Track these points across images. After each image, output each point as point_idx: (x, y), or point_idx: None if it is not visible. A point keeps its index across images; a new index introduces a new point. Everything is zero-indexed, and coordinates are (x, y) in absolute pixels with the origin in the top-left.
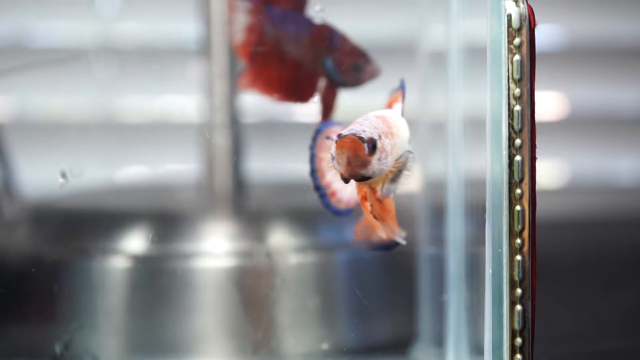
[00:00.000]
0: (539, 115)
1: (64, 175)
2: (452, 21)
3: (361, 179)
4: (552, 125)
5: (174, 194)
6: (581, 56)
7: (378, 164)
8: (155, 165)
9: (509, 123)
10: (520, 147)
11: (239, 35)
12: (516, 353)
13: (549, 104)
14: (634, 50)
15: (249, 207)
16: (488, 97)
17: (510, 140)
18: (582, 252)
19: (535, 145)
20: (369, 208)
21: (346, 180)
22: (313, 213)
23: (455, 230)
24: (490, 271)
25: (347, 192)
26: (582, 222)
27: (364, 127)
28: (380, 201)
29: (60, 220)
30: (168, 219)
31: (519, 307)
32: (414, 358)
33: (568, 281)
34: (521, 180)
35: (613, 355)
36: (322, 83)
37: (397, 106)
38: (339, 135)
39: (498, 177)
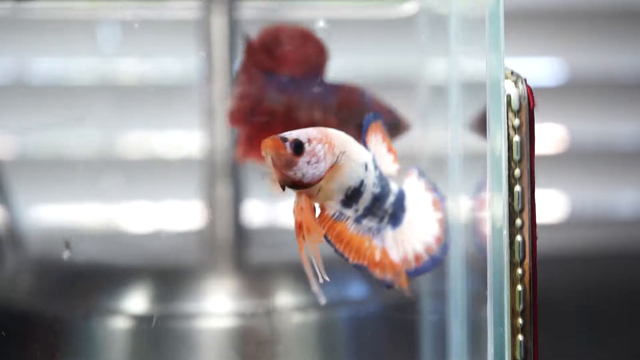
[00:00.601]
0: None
1: (67, 245)
2: (452, 56)
3: (292, 184)
4: (551, 158)
5: (176, 248)
6: (581, 89)
7: (307, 167)
8: (156, 204)
9: (509, 203)
10: (521, 227)
11: (227, 103)
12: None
13: (549, 137)
14: (634, 84)
15: (251, 261)
16: (487, 182)
17: (511, 218)
18: (582, 287)
19: (535, 226)
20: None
21: (282, 188)
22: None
23: (456, 282)
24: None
25: None
26: (582, 256)
27: (292, 132)
28: (319, 221)
29: (62, 274)
30: (169, 276)
31: (520, 337)
32: None
33: (568, 319)
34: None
35: None
36: None
37: (374, 138)
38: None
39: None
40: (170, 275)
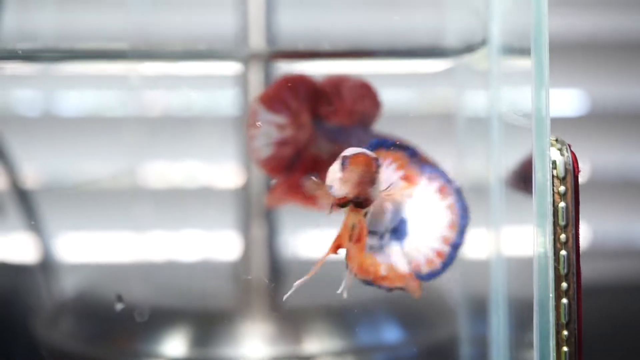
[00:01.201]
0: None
1: (120, 298)
2: (492, 88)
3: (362, 202)
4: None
5: (211, 289)
6: (602, 120)
7: (376, 187)
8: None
9: (555, 266)
10: (567, 290)
11: (264, 150)
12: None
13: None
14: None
15: (285, 305)
16: (534, 243)
17: (557, 282)
18: (606, 319)
19: (580, 287)
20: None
21: (342, 205)
22: (350, 309)
23: (499, 328)
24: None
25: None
26: (605, 286)
27: (363, 150)
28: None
29: (99, 317)
30: (205, 320)
31: (565, 348)
32: None
33: (595, 350)
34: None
35: None
36: None
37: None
38: (344, 157)
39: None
40: (206, 320)
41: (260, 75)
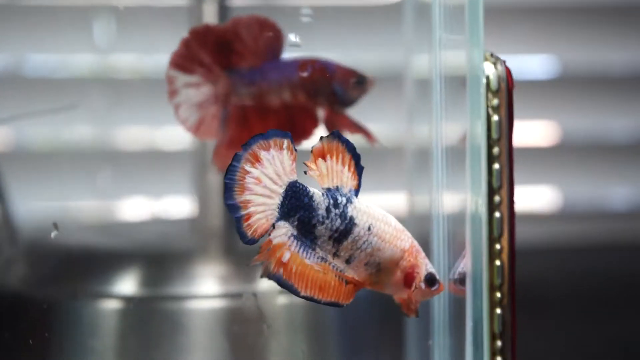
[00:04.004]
0: (532, 142)
1: (56, 227)
2: (435, 52)
3: None
4: (544, 152)
5: (167, 234)
6: (573, 84)
7: None
8: (149, 197)
9: (488, 180)
10: (500, 203)
11: (190, 116)
12: (496, 356)
13: (541, 132)
14: (625, 78)
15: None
16: (467, 158)
17: (490, 196)
18: (573, 279)
19: (513, 193)
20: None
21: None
22: None
23: (439, 265)
24: (471, 324)
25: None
26: (575, 248)
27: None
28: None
29: (55, 260)
30: (160, 261)
31: (498, 310)
32: None
33: (559, 309)
34: (499, 187)
35: None
36: (321, 113)
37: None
38: (438, 280)
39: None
40: (161, 260)
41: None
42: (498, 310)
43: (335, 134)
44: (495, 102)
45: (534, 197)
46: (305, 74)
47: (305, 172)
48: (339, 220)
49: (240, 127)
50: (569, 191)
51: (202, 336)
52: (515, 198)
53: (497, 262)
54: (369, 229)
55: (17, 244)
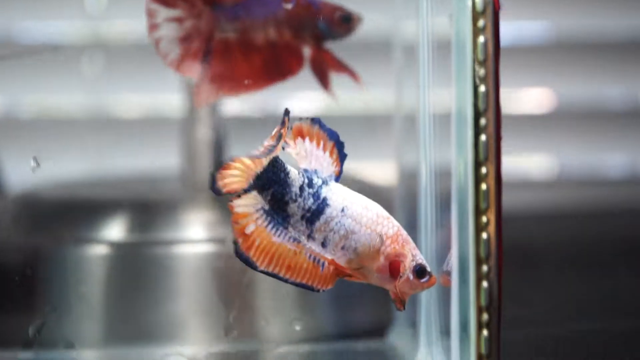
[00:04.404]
0: (527, 109)
1: (35, 160)
2: (423, 18)
3: None
4: (540, 120)
5: (156, 185)
6: (568, 51)
7: None
8: (139, 159)
9: (473, 103)
10: (485, 126)
11: (172, 50)
12: (483, 329)
13: (537, 99)
14: (621, 45)
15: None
16: (453, 78)
17: (476, 120)
18: (568, 243)
19: (500, 125)
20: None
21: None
22: None
23: (427, 217)
24: (457, 249)
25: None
26: (570, 214)
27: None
28: None
29: (42, 209)
30: (148, 208)
31: (485, 283)
32: (389, 341)
33: (553, 270)
34: (486, 159)
35: (592, 334)
36: (307, 52)
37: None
38: (429, 272)
39: (463, 159)
40: (149, 208)
41: None
42: (485, 284)
43: (315, 121)
44: (481, 23)
45: (529, 164)
46: (289, 6)
47: (283, 149)
48: (311, 200)
49: (223, 63)
50: (564, 158)
51: (189, 280)
52: (503, 168)
53: (484, 235)
54: (343, 210)
55: (3, 194)
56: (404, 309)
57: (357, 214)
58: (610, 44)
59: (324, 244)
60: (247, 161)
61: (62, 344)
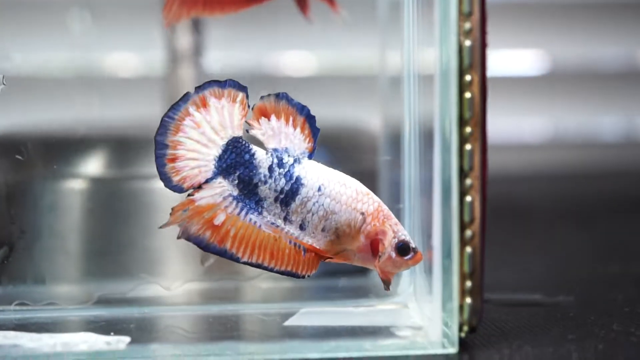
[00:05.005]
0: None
1: (3, 80)
2: None
3: None
4: (535, 81)
5: (136, 125)
6: (563, 11)
7: None
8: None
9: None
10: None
11: None
12: (466, 245)
13: (532, 61)
14: (617, 5)
15: None
16: (437, 32)
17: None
18: (561, 201)
19: (486, 81)
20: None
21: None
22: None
23: (410, 154)
24: (440, 160)
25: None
26: (564, 175)
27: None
28: None
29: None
30: (128, 143)
31: (468, 198)
32: (372, 278)
33: (547, 226)
34: (470, 68)
35: (583, 280)
36: None
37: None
38: (413, 249)
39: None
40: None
41: None
42: (468, 249)
43: (281, 96)
44: (467, 26)
45: (524, 126)
46: None
47: (247, 131)
48: (283, 180)
49: None
50: (559, 120)
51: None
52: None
53: (468, 198)
54: (319, 189)
55: None
56: (388, 289)
57: (336, 193)
58: (607, 3)
59: (302, 227)
60: (194, 145)
61: (31, 278)
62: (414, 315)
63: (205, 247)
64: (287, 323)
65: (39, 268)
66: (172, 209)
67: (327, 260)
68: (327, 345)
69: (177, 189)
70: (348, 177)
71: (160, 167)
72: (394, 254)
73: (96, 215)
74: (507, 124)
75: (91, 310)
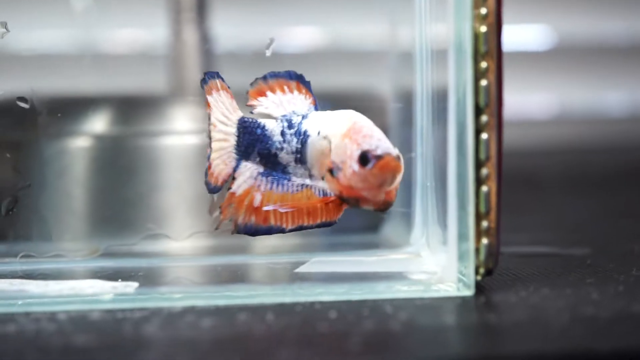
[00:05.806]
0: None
1: (5, 26)
2: None
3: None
4: (541, 57)
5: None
6: None
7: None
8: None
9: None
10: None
11: None
12: (482, 184)
13: (538, 36)
14: None
15: None
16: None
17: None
18: (570, 174)
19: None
20: None
21: (382, 211)
22: None
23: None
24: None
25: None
26: (570, 150)
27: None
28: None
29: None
30: (135, 102)
31: (484, 135)
32: (383, 234)
33: (553, 196)
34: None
35: (599, 236)
36: None
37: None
38: (376, 156)
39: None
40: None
41: None
42: (484, 188)
43: (266, 76)
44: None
45: (530, 102)
46: None
47: (251, 112)
48: (295, 139)
49: None
50: (565, 96)
51: (175, 172)
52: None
53: (484, 136)
54: (319, 133)
55: None
56: (382, 211)
57: (329, 130)
58: None
59: (323, 177)
60: (217, 144)
61: (37, 235)
62: (427, 262)
63: (254, 232)
64: (298, 270)
65: (45, 223)
66: (220, 206)
67: (345, 203)
68: (340, 288)
69: (216, 189)
70: (342, 111)
71: (206, 178)
72: (356, 167)
73: (104, 172)
74: (513, 100)
75: (98, 262)
